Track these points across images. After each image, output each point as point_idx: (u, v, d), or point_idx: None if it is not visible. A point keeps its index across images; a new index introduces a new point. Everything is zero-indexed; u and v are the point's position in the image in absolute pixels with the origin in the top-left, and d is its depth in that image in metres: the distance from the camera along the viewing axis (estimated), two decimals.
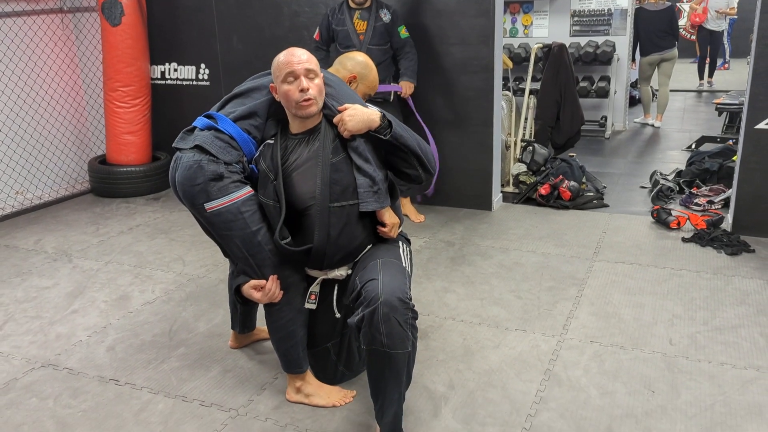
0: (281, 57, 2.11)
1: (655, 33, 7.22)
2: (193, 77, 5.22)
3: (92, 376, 2.54)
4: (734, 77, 10.93)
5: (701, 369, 2.49)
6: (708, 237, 3.78)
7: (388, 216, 2.20)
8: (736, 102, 6.35)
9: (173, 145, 2.30)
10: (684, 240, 3.83)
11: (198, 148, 2.15)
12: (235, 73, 5.07)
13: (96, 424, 2.24)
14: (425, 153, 2.19)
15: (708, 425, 2.15)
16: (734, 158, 4.34)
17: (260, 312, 2.62)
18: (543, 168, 4.98)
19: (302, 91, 2.06)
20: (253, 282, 2.21)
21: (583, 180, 4.92)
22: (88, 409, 2.33)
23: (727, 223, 3.99)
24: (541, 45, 5.67)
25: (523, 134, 5.48)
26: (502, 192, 4.83)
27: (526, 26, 7.66)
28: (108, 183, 5.03)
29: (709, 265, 3.46)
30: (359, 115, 2.09)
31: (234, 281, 2.37)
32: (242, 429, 2.20)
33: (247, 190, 2.17)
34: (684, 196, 4.63)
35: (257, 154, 2.24)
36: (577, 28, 7.50)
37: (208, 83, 5.19)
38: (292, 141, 2.19)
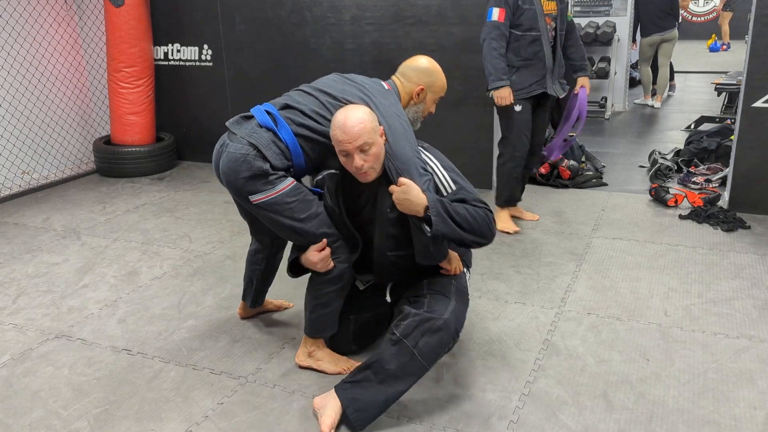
0: (336, 131, 2.08)
1: (656, 13, 7.23)
2: (196, 58, 5.26)
3: (105, 347, 2.62)
4: (733, 57, 10.94)
5: (695, 338, 2.57)
6: (705, 214, 3.85)
7: (447, 262, 2.28)
8: (734, 82, 6.38)
9: (226, 123, 2.29)
10: (681, 217, 3.90)
11: (251, 145, 2.15)
12: (237, 54, 5.11)
13: (110, 390, 2.32)
14: (475, 232, 2.13)
15: (700, 390, 2.23)
16: (732, 137, 4.40)
17: (273, 287, 2.71)
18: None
19: (357, 167, 2.09)
20: (314, 246, 2.23)
21: (583, 159, 4.98)
22: (102, 377, 2.41)
23: (724, 201, 4.06)
24: None
25: None
26: None
27: None
28: (113, 163, 5.09)
29: (705, 241, 3.53)
30: (407, 203, 2.08)
31: (291, 255, 2.37)
32: (251, 395, 2.28)
33: (290, 182, 2.19)
34: (682, 174, 4.69)
35: (320, 177, 2.27)
36: (578, 8, 7.51)
37: (211, 64, 5.23)
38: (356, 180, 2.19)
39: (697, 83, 9.22)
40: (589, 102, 7.34)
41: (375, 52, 4.68)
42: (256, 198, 2.17)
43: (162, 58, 5.36)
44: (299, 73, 4.95)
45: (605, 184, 4.73)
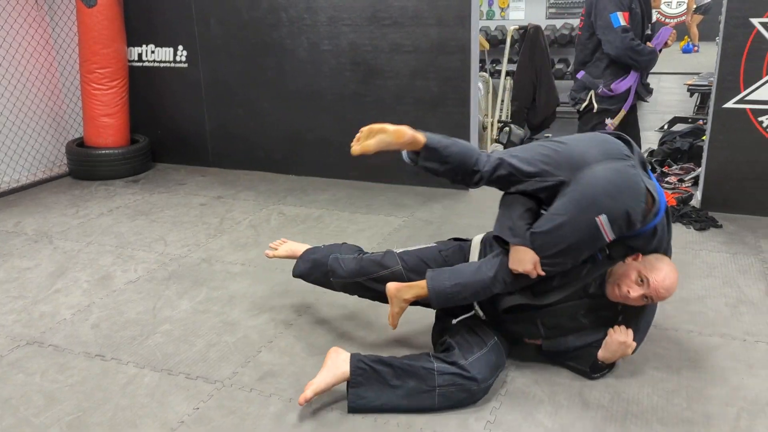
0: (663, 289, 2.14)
1: None
2: (171, 59, 5.20)
3: (78, 353, 2.58)
4: (706, 59, 11.12)
5: (668, 336, 2.60)
6: (678, 213, 3.91)
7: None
8: (706, 83, 6.49)
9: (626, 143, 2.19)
10: None
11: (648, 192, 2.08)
12: (213, 55, 5.07)
13: (84, 397, 2.28)
14: None
15: (674, 388, 2.26)
16: (703, 137, 4.47)
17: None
18: None
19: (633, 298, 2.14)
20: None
21: None
22: (75, 384, 2.37)
23: (696, 200, 4.12)
24: (517, 27, 5.74)
25: (500, 115, 5.56)
26: None
27: (502, 9, 7.72)
28: (86, 166, 5.01)
29: (678, 239, 3.56)
30: (614, 355, 2.25)
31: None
32: (228, 399, 2.26)
33: None
34: (656, 174, 4.75)
35: None
36: (553, 10, 7.58)
37: (186, 65, 5.17)
38: None
39: (670, 84, 9.36)
40: (564, 102, 7.40)
41: (352, 53, 4.68)
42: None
43: (136, 59, 5.29)
44: (275, 75, 4.93)
45: None
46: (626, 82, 3.76)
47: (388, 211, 4.23)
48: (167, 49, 5.19)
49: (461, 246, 2.49)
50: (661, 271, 2.13)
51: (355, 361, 2.15)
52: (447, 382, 2.14)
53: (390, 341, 2.60)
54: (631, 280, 2.14)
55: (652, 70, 3.94)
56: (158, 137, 5.39)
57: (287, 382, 2.35)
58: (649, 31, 3.78)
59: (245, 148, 5.20)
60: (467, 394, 2.17)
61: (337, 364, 2.15)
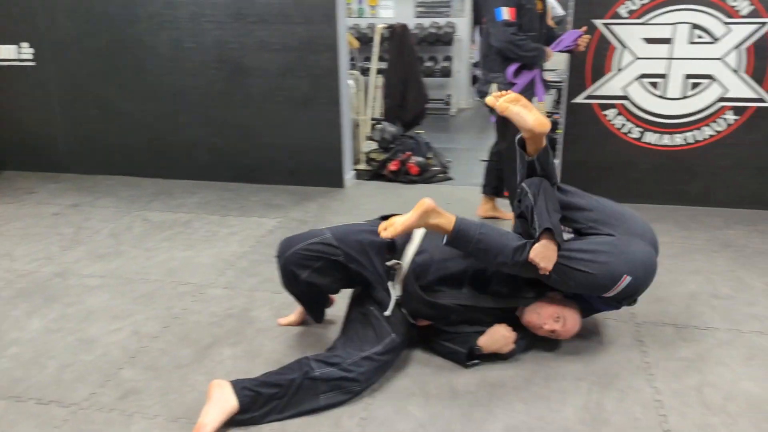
0: None
1: None
2: (14, 57, 4.77)
3: None
4: (563, 56, 11.90)
5: None
6: None
7: None
8: (560, 79, 6.94)
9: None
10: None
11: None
12: (63, 52, 4.72)
13: None
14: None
15: (534, 369, 2.39)
16: (559, 130, 4.77)
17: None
18: (392, 145, 5.16)
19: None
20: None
21: (430, 155, 5.17)
22: None
23: None
24: (385, 25, 5.83)
25: (373, 113, 5.63)
26: (354, 170, 4.95)
27: (372, 7, 7.82)
28: None
29: None
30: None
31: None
32: (85, 422, 2.10)
33: None
34: None
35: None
36: (421, 9, 7.79)
37: (33, 63, 4.77)
38: None
39: None
40: (435, 99, 7.62)
41: (217, 51, 4.53)
42: None
43: None
44: (134, 73, 4.68)
45: (451, 179, 4.94)
46: (526, 75, 3.71)
47: (261, 212, 4.14)
48: (8, 46, 4.75)
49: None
50: (575, 316, 2.40)
51: (240, 389, 2.07)
52: (330, 387, 2.15)
53: (262, 350, 2.55)
54: (550, 315, 2.36)
55: None
56: (3, 142, 4.93)
57: (152, 399, 2.23)
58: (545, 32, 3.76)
59: (103, 151, 4.89)
60: (350, 395, 2.18)
61: (224, 397, 2.04)
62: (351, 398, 2.19)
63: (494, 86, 3.61)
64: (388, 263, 2.38)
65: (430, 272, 2.38)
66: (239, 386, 2.07)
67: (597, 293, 2.32)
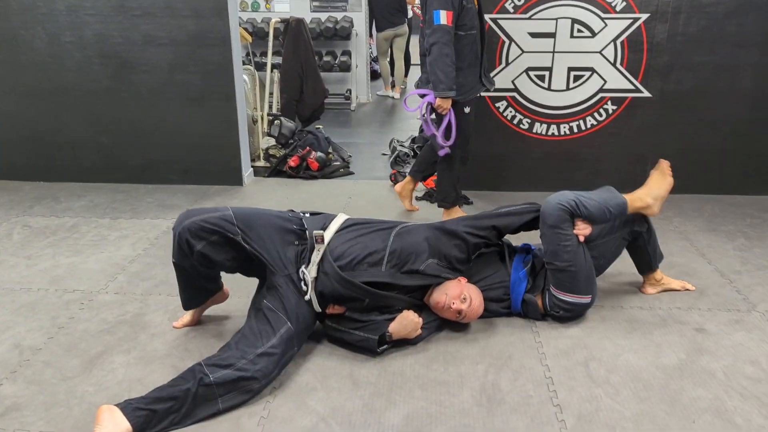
0: None
1: (388, 10, 7.76)
2: None
3: None
4: None
5: None
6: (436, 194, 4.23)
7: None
8: None
9: None
10: (417, 198, 4.24)
11: None
12: None
13: None
14: None
15: (433, 356, 2.44)
16: None
17: None
18: (291, 141, 5.10)
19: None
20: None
21: (330, 151, 5.15)
22: None
23: None
24: (279, 20, 5.75)
25: (270, 108, 5.54)
26: (253, 167, 4.85)
27: (267, 1, 7.69)
28: None
29: (438, 217, 3.89)
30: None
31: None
32: None
33: None
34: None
35: None
36: (317, 3, 7.75)
37: None
38: None
39: None
40: (334, 94, 7.63)
41: (100, 46, 4.30)
42: None
43: None
44: (10, 70, 4.36)
45: (352, 173, 4.96)
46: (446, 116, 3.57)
47: (155, 213, 3.98)
48: None
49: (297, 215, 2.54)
50: (479, 297, 2.55)
51: (131, 410, 1.96)
52: (228, 390, 2.09)
53: (156, 355, 2.45)
54: (457, 295, 2.45)
55: (417, 62, 3.97)
56: None
57: (35, 414, 2.09)
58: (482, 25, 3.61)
59: None
60: (250, 394, 2.14)
61: (114, 421, 1.93)
62: (252, 397, 2.15)
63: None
64: (315, 232, 2.40)
65: (349, 252, 2.40)
66: (129, 408, 1.97)
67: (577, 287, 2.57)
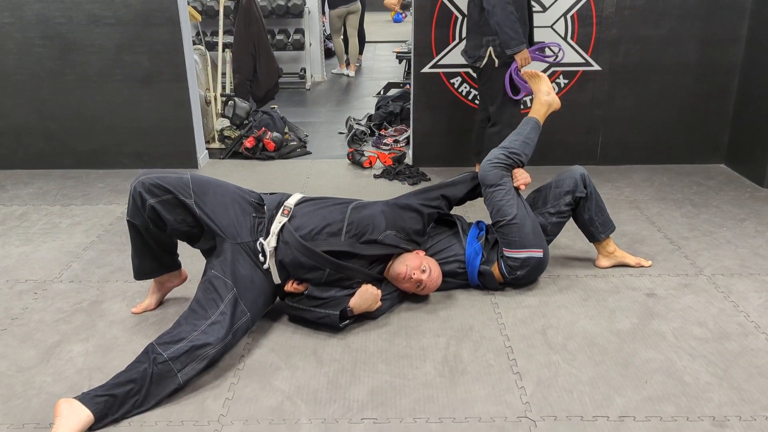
0: None
1: None
2: None
3: None
4: (409, 28, 12.20)
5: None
6: (394, 171, 4.26)
7: None
8: (408, 50, 7.12)
9: None
10: (375, 176, 4.26)
11: None
12: None
13: None
14: None
15: (396, 330, 2.47)
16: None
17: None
18: (246, 121, 5.03)
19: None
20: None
21: (286, 131, 5.10)
22: None
23: (409, 158, 4.53)
24: None
25: (223, 89, 5.44)
26: (207, 149, 4.77)
27: None
28: None
29: (395, 194, 3.90)
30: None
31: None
32: None
33: None
34: (374, 137, 5.10)
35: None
36: None
37: None
38: None
39: (384, 52, 10.08)
40: (289, 73, 7.52)
41: (42, 27, 4.13)
42: None
43: None
44: None
45: (309, 153, 4.92)
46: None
47: (108, 199, 3.89)
48: None
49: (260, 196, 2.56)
50: (438, 269, 2.62)
51: (89, 399, 1.94)
52: (184, 363, 2.07)
53: (116, 343, 2.42)
54: (417, 266, 2.51)
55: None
56: None
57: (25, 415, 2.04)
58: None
59: None
60: (206, 360, 2.12)
61: (74, 412, 1.90)
62: (210, 364, 2.15)
63: (491, 49, 3.56)
64: (286, 203, 2.49)
65: (308, 223, 2.43)
66: (88, 397, 1.95)
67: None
